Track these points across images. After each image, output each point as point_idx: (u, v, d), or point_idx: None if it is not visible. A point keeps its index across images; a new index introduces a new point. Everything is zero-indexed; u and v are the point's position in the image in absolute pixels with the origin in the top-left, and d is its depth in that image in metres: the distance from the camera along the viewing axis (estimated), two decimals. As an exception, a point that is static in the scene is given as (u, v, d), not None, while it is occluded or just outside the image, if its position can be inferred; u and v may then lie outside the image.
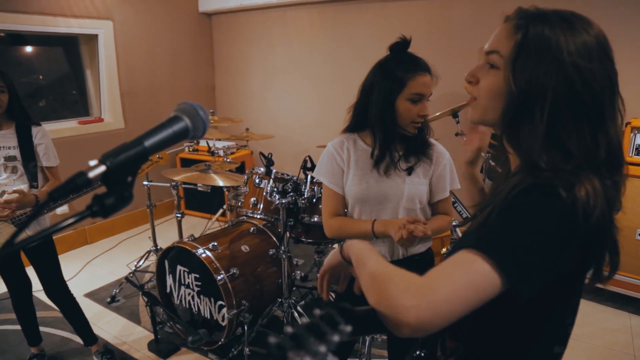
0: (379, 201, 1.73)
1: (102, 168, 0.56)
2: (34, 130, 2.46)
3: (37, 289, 2.65)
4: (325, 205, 1.81)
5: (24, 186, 2.39)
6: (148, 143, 0.61)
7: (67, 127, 4.29)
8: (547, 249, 0.75)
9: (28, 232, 2.41)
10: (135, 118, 4.77)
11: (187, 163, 4.88)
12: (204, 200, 4.83)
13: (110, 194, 0.56)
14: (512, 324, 0.89)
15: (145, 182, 3.38)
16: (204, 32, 5.37)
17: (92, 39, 4.43)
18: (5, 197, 2.29)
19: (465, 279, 0.74)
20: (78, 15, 4.17)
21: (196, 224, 4.88)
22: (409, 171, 1.70)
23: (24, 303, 2.66)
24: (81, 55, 4.60)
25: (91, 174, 0.55)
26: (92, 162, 0.56)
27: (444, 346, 1.09)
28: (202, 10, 5.25)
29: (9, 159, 2.39)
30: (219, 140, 3.42)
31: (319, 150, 3.44)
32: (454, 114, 3.06)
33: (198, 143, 4.56)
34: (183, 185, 3.18)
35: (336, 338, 0.56)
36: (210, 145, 3.73)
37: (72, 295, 2.68)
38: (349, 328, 0.58)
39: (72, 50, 4.61)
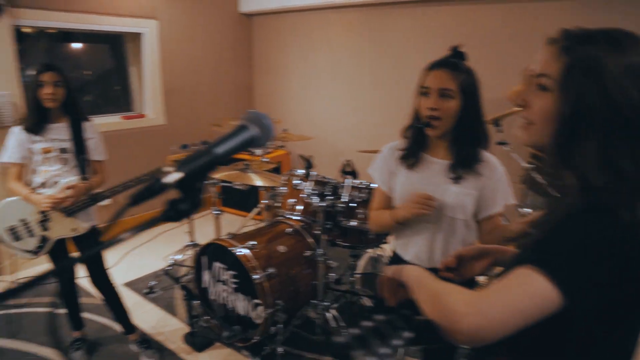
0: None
1: (179, 175, 0.58)
2: (86, 124, 2.56)
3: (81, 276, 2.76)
4: (372, 201, 1.94)
5: (74, 178, 2.48)
6: (219, 151, 0.63)
7: (111, 121, 4.43)
8: (605, 267, 0.75)
9: (78, 222, 2.52)
10: (176, 115, 4.88)
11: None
12: (239, 198, 4.90)
13: (184, 200, 0.58)
14: (567, 347, 0.87)
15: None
16: (244, 33, 5.44)
17: (137, 37, 4.56)
18: (64, 192, 2.41)
19: (521, 292, 0.75)
20: (125, 14, 4.30)
21: (231, 221, 4.95)
22: (456, 180, 1.69)
23: (69, 288, 2.78)
24: (126, 53, 4.75)
25: (168, 180, 0.57)
26: (168, 169, 0.58)
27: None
28: (242, 11, 5.33)
29: (62, 151, 2.49)
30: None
31: (359, 155, 3.45)
32: (496, 122, 3.01)
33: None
34: (221, 183, 3.23)
35: (397, 342, 0.58)
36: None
37: (114, 284, 2.77)
38: (409, 334, 0.60)
39: (117, 48, 4.76)
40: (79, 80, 4.61)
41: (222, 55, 5.25)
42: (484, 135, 1.71)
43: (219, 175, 3.03)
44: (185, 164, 0.59)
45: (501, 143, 2.97)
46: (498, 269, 1.15)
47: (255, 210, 4.30)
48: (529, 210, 2.54)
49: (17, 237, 2.53)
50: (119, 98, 4.95)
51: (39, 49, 4.24)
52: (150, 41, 4.55)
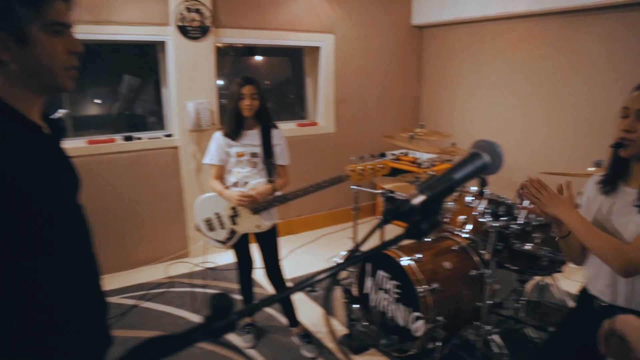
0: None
1: (423, 197, 0.64)
2: (274, 132, 2.83)
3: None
4: None
5: (262, 180, 2.77)
6: (457, 176, 0.68)
7: (288, 128, 4.82)
8: None
9: (262, 220, 2.80)
10: (345, 124, 5.13)
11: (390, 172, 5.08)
12: (399, 209, 4.95)
13: (425, 220, 0.64)
14: None
15: (352, 186, 3.60)
16: (414, 45, 5.49)
17: (315, 50, 4.90)
18: (248, 187, 2.71)
19: None
20: (307, 30, 4.65)
21: (392, 231, 5.02)
22: None
23: (246, 277, 3.10)
24: (304, 65, 5.12)
25: (415, 202, 0.63)
26: (414, 192, 0.64)
27: None
28: (414, 24, 5.38)
29: (252, 155, 2.79)
30: (426, 153, 3.47)
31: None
32: None
33: (406, 154, 4.68)
34: (389, 194, 3.30)
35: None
36: (417, 156, 3.80)
37: (285, 279, 3.02)
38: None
39: (296, 60, 5.17)
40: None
41: (392, 67, 5.36)
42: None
43: (388, 185, 3.11)
44: (428, 188, 0.65)
45: None
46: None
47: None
48: None
49: (211, 228, 2.90)
50: (292, 106, 5.37)
51: (227, 61, 4.80)
52: (327, 54, 4.85)
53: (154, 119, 4.44)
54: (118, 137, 4.00)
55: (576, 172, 2.70)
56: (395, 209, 0.63)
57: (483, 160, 0.72)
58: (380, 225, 0.65)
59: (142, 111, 4.48)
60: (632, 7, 3.60)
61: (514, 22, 4.50)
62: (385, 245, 0.68)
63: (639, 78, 1.67)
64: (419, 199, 0.64)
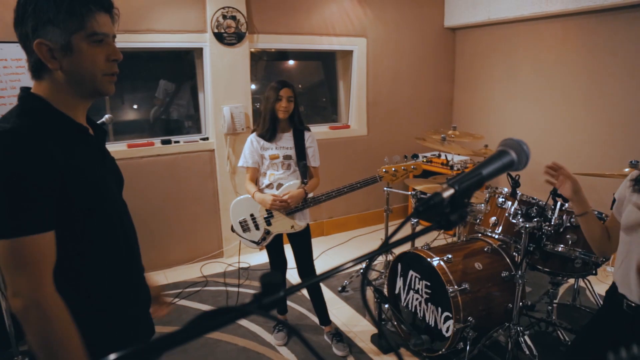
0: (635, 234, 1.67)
1: (451, 191, 0.69)
2: (306, 134, 2.90)
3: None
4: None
5: (296, 181, 2.84)
6: (485, 172, 0.73)
7: (321, 131, 4.90)
8: None
9: (296, 220, 2.87)
10: (377, 126, 5.17)
11: (420, 174, 5.08)
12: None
13: (454, 212, 0.69)
14: None
15: (385, 188, 3.65)
16: (447, 47, 5.49)
17: (348, 54, 4.96)
18: (282, 190, 2.78)
19: None
20: (340, 34, 4.73)
21: (419, 240, 5.04)
22: None
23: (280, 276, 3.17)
24: (336, 68, 5.19)
25: (445, 195, 0.69)
26: (444, 186, 0.70)
27: None
28: (447, 25, 5.38)
29: (286, 157, 2.87)
30: (458, 155, 3.48)
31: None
32: None
33: (439, 156, 4.69)
34: (420, 195, 3.33)
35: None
36: (449, 158, 3.81)
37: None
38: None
39: (329, 64, 5.24)
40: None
41: (424, 69, 5.37)
42: None
43: (419, 187, 3.14)
44: (457, 182, 0.70)
45: None
46: None
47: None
48: None
49: (245, 229, 2.99)
50: (324, 109, 5.44)
51: (260, 66, 4.92)
52: (359, 57, 4.90)
53: (189, 122, 4.59)
54: (156, 141, 4.15)
55: (611, 173, 2.68)
56: (426, 201, 0.68)
57: (510, 157, 0.76)
58: (411, 217, 0.71)
59: (178, 115, 4.63)
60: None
61: (549, 22, 4.46)
62: (414, 235, 0.73)
63: None
64: (448, 192, 0.69)
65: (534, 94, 4.71)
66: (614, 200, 1.85)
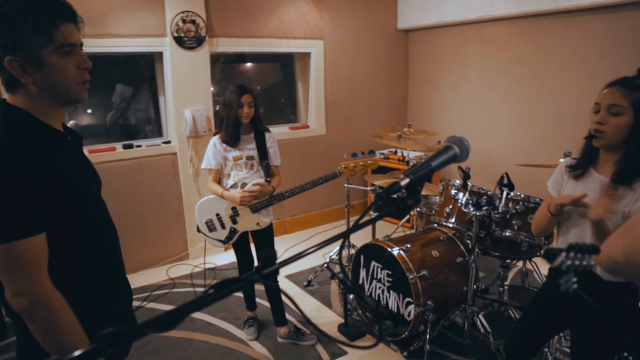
0: (576, 216, 1.86)
1: (407, 180, 0.85)
2: (267, 135, 3.02)
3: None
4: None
5: (260, 180, 2.96)
6: (434, 164, 0.89)
7: (281, 131, 5.02)
8: None
9: (261, 217, 2.99)
10: (335, 126, 5.35)
11: (378, 170, 5.29)
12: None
13: (410, 197, 0.84)
14: None
15: (346, 185, 3.82)
16: (400, 48, 5.73)
17: (306, 56, 5.11)
18: (249, 187, 2.89)
19: None
20: (297, 37, 4.87)
21: (381, 227, 5.24)
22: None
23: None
24: (295, 70, 5.33)
25: (402, 183, 0.84)
26: (401, 176, 0.85)
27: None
28: (400, 27, 5.62)
29: (249, 158, 2.99)
30: (414, 150, 3.69)
31: (517, 168, 3.48)
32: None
33: (395, 152, 4.90)
34: (379, 190, 3.51)
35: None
36: (405, 155, 4.02)
37: (277, 278, 3.14)
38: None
39: (287, 65, 5.38)
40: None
41: (380, 70, 5.59)
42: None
43: (378, 182, 3.32)
44: (412, 173, 0.85)
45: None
46: None
47: (406, 217, 4.53)
48: None
49: (212, 229, 3.07)
50: (283, 110, 5.57)
51: (218, 68, 4.98)
52: (317, 59, 5.06)
53: (149, 127, 4.61)
54: (118, 146, 4.16)
55: (548, 164, 2.94)
56: (388, 189, 0.83)
57: (454, 151, 0.92)
58: (373, 205, 0.86)
59: (135, 120, 4.63)
60: (602, 10, 3.86)
61: (494, 25, 4.76)
62: (377, 217, 0.88)
63: (607, 76, 1.87)
64: (405, 181, 0.84)
65: (482, 92, 5.01)
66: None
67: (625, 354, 1.20)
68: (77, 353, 0.55)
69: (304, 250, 0.79)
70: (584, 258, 0.80)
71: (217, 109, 4.48)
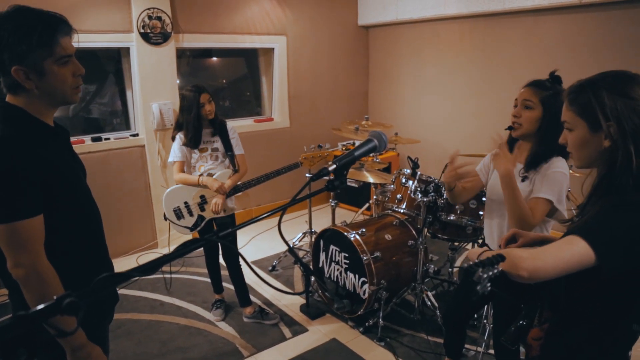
0: (495, 199, 2.15)
1: (334, 166, 1.07)
2: (228, 126, 3.20)
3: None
4: None
5: (227, 170, 3.15)
6: (356, 153, 1.12)
7: (246, 124, 5.21)
8: (632, 241, 1.12)
9: (228, 204, 3.18)
10: (299, 119, 5.56)
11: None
12: (350, 195, 5.47)
13: (336, 179, 1.07)
14: (601, 301, 1.24)
15: (307, 175, 4.05)
16: (361, 44, 5.98)
17: (269, 51, 5.29)
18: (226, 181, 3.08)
19: (567, 249, 1.15)
20: (262, 33, 5.05)
21: (343, 215, 5.50)
22: (523, 179, 2.04)
23: (213, 261, 3.44)
24: (259, 64, 5.51)
25: (330, 168, 1.07)
26: (329, 163, 1.08)
27: (541, 316, 1.46)
28: (361, 24, 5.86)
29: (214, 150, 3.17)
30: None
31: (461, 158, 3.75)
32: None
33: (354, 144, 5.15)
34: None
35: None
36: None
37: (239, 263, 3.31)
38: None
39: (251, 60, 5.55)
40: (217, 88, 5.46)
41: (341, 65, 5.83)
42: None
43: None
44: (338, 160, 1.08)
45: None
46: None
47: (366, 205, 4.80)
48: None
49: (179, 216, 3.24)
50: (248, 103, 5.74)
51: (183, 62, 5.12)
52: (280, 54, 5.25)
53: (117, 119, 4.70)
54: (87, 138, 4.27)
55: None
56: (317, 173, 1.06)
57: (374, 143, 1.16)
58: (307, 185, 1.08)
59: (99, 113, 4.71)
60: (544, 12, 4.19)
61: (447, 23, 5.05)
62: (303, 198, 1.11)
63: (549, 73, 2.07)
64: (332, 167, 1.07)
65: (437, 86, 5.31)
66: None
67: (522, 322, 1.49)
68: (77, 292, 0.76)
69: (254, 217, 1.00)
70: (494, 268, 1.04)
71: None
